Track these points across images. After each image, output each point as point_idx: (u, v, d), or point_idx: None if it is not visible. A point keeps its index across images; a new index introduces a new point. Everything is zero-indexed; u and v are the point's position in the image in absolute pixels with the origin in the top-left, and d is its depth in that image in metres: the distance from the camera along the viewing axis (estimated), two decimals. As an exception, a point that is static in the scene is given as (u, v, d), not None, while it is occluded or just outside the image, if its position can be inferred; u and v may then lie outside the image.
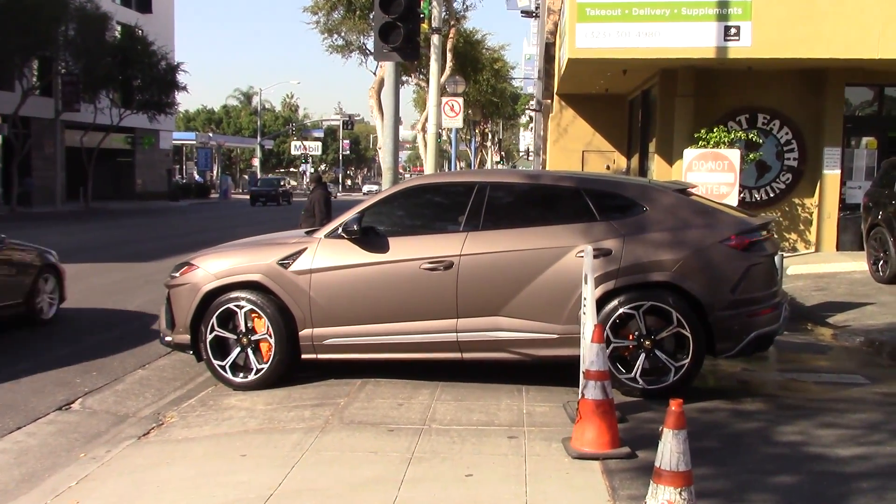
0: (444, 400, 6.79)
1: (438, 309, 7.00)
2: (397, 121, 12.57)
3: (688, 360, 6.68)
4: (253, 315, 7.33)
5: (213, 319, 7.34)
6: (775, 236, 7.58)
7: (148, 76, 42.85)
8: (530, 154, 69.84)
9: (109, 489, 5.17)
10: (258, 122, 76.00)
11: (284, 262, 7.30)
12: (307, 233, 7.81)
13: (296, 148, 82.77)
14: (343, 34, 27.65)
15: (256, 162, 72.65)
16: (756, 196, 17.04)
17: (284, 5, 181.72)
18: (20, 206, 38.15)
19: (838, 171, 16.67)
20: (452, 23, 24.84)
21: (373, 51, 27.13)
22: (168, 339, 7.67)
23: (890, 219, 12.98)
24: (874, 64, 15.03)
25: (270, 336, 7.25)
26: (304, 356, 7.34)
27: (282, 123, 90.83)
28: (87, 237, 23.02)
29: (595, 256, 6.46)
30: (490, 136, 56.10)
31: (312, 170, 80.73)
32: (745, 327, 6.72)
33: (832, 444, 5.76)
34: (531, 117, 69.12)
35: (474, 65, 34.65)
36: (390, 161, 12.41)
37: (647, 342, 6.71)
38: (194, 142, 71.73)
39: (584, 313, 6.01)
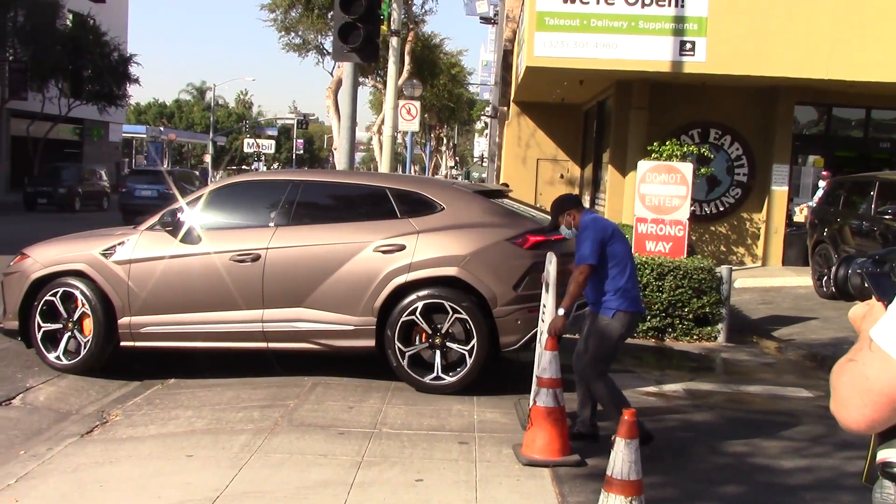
0: (395, 404, 6.76)
1: (246, 299, 7.30)
2: (354, 122, 12.51)
3: (474, 354, 6.94)
4: (77, 303, 7.61)
5: (40, 306, 7.67)
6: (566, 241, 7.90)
7: (99, 67, 42.02)
8: (484, 160, 70.09)
9: (50, 488, 5.05)
10: (211, 118, 74.99)
11: (106, 252, 7.64)
12: (134, 226, 8.02)
13: (249, 145, 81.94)
14: (300, 33, 27.47)
15: (208, 158, 71.62)
16: (706, 210, 17.30)
17: (240, 1, 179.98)
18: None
19: (786, 188, 17.00)
20: (411, 26, 24.84)
21: (330, 51, 27.02)
22: (0, 325, 8.00)
23: (835, 236, 13.27)
24: (823, 84, 15.37)
25: (90, 323, 7.57)
26: (122, 343, 7.62)
27: (235, 120, 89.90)
28: (17, 229, 22.52)
29: (389, 251, 7.04)
30: (445, 141, 56.20)
31: (265, 168, 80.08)
32: (527, 322, 6.91)
33: (777, 456, 5.86)
34: (486, 123, 69.37)
35: (432, 69, 34.68)
36: (346, 162, 12.35)
37: (436, 337, 7.02)
38: (145, 135, 70.57)
39: (543, 320, 6.07)
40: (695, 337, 10.02)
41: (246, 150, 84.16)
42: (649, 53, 14.84)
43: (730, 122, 17.33)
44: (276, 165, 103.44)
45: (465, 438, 5.93)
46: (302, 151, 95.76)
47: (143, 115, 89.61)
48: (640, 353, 9.38)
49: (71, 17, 44.14)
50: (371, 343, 7.10)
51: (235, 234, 7.53)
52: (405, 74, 21.99)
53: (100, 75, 42.43)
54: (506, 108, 26.81)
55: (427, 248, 7.07)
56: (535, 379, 5.60)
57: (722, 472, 5.52)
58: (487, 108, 58.85)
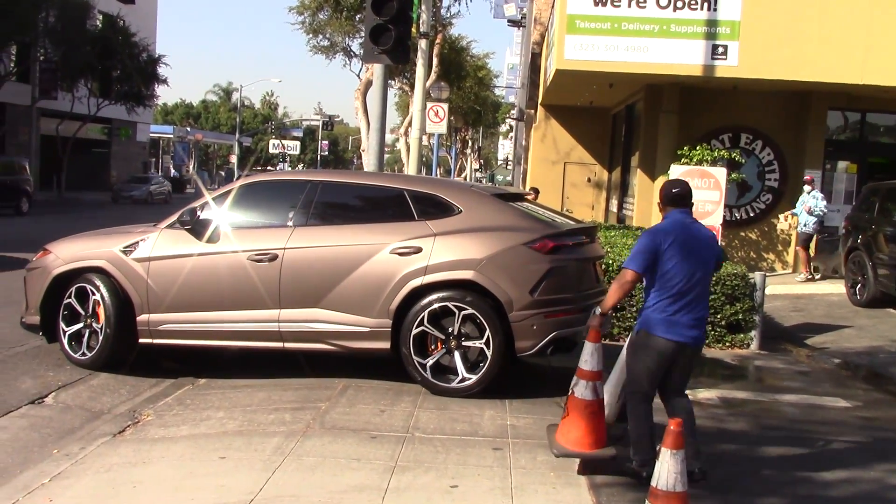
0: (426, 408, 6.70)
1: (263, 299, 7.31)
2: (384, 124, 12.48)
3: (489, 357, 6.91)
4: (97, 299, 7.70)
5: (68, 301, 7.81)
6: (595, 243, 7.86)
7: (128, 67, 42.33)
8: (509, 163, 69.95)
9: (83, 488, 5.03)
10: (237, 119, 75.38)
11: (126, 250, 7.72)
12: (154, 224, 8.06)
13: (274, 146, 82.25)
14: (328, 35, 27.50)
15: (234, 159, 72.00)
16: (736, 215, 17.11)
17: (268, 2, 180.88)
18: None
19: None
20: (439, 28, 24.79)
21: (358, 53, 27.04)
22: (23, 320, 8.15)
23: (869, 243, 13.07)
24: (857, 89, 15.16)
25: (106, 319, 7.65)
26: (141, 340, 7.67)
27: (261, 121, 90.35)
28: (53, 227, 22.66)
29: (405, 254, 7.03)
30: (470, 144, 56.14)
31: (290, 169, 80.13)
32: (543, 327, 6.88)
33: (817, 467, 5.74)
34: (511, 126, 69.26)
35: (458, 72, 34.63)
36: (375, 163, 12.31)
37: (453, 340, 6.98)
38: (172, 135, 71.05)
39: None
40: (727, 344, 9.89)
41: (271, 150, 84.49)
42: (681, 57, 14.70)
43: (761, 127, 17.15)
44: (300, 166, 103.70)
45: (498, 444, 5.86)
46: (327, 153, 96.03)
47: (169, 116, 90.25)
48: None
49: (101, 17, 44.47)
50: (387, 345, 7.11)
51: (254, 234, 7.56)
52: (433, 77, 21.94)
53: (128, 76, 42.74)
54: (533, 111, 26.69)
55: (443, 251, 7.04)
56: (577, 370, 5.42)
57: (763, 483, 5.41)
58: (513, 111, 58.74)
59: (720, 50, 14.67)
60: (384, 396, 7.01)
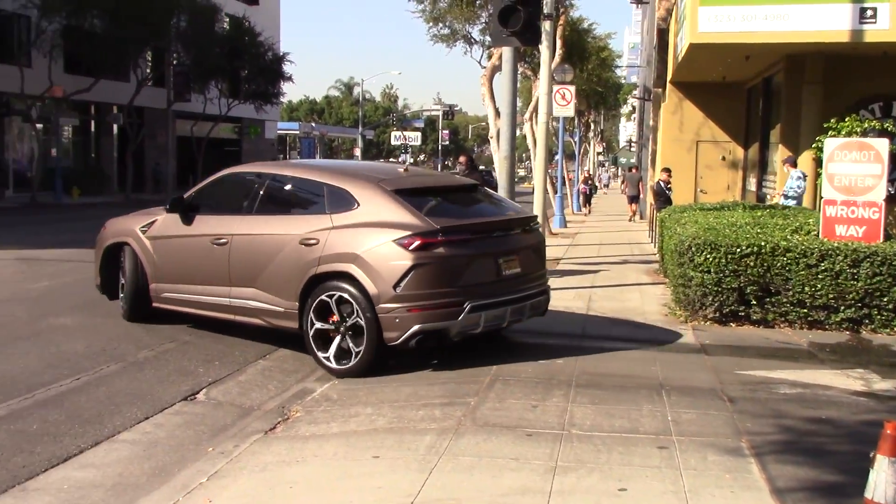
0: (580, 402, 6.37)
1: (220, 277, 8.44)
2: (515, 109, 12.14)
3: (363, 345, 7.37)
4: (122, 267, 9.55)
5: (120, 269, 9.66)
6: (515, 235, 8.09)
7: (255, 67, 43.46)
8: (632, 145, 68.40)
9: (241, 488, 4.95)
10: (359, 113, 76.59)
11: (143, 229, 9.37)
12: (164, 207, 9.36)
13: (396, 138, 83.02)
14: (448, 23, 27.26)
15: (358, 152, 73.17)
16: (890, 189, 15.96)
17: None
18: (135, 192, 39.17)
19: (982, 164, 15.46)
20: (562, 10, 24.22)
21: (479, 39, 26.71)
22: (96, 283, 10.12)
23: None
24: None
25: (126, 284, 9.50)
26: (153, 304, 9.27)
27: (382, 113, 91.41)
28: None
29: (309, 244, 7.69)
30: (593, 127, 55.14)
31: (411, 160, 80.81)
32: (406, 321, 7.22)
33: None
34: (633, 107, 67.64)
35: (581, 53, 33.83)
36: (507, 150, 11.99)
37: (341, 326, 7.50)
38: (298, 131, 72.73)
39: None
40: None
41: (393, 142, 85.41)
42: (824, 23, 13.74)
43: (916, 94, 15.92)
44: (422, 157, 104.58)
45: (663, 442, 5.47)
46: (448, 142, 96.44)
47: (294, 113, 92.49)
48: (835, 346, 8.61)
49: (227, 20, 45.79)
50: (296, 325, 7.84)
51: (217, 220, 8.67)
52: (557, 59, 21.38)
53: (255, 75, 43.86)
54: (661, 90, 25.80)
55: (333, 244, 7.56)
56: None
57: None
58: (635, 92, 57.31)
59: (868, 13, 13.63)
60: (534, 390, 6.72)
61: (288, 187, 8.59)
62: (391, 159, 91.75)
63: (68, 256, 15.53)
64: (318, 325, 7.62)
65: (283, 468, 5.26)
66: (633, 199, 31.08)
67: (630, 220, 30.22)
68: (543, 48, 16.98)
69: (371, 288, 7.29)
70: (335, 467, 5.21)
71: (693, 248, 9.58)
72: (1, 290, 11.76)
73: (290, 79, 45.63)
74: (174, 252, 8.99)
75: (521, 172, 77.73)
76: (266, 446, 5.69)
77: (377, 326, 7.30)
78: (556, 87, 19.73)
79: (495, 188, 12.09)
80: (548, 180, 22.85)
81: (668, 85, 22.34)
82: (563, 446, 5.39)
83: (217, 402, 6.91)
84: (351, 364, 7.45)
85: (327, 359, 7.56)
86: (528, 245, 8.25)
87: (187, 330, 9.25)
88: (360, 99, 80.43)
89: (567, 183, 35.01)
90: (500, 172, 12.28)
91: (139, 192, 40.40)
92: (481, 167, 14.72)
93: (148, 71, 41.81)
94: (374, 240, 7.38)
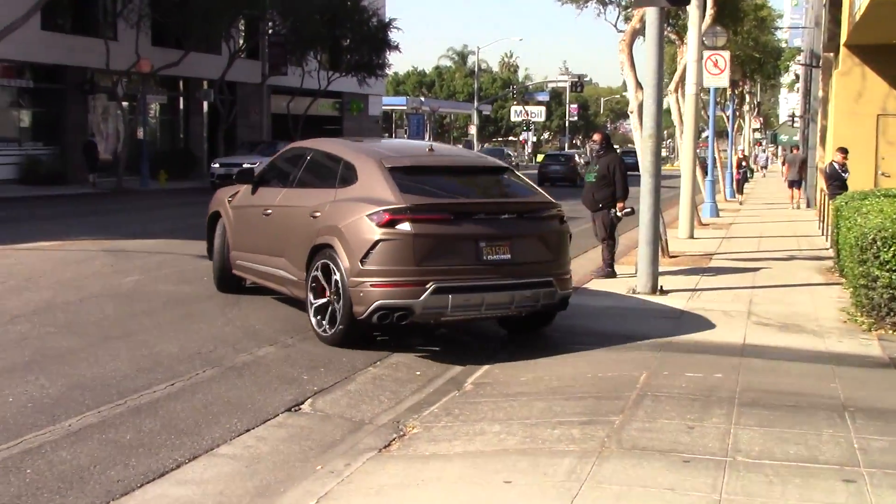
0: (745, 424, 6.18)
1: (267, 246, 10.07)
2: (661, 79, 11.92)
3: (339, 315, 8.57)
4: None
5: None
6: (469, 221, 8.52)
7: (357, 35, 44.09)
8: (795, 120, 66.20)
9: (355, 512, 5.00)
10: (474, 85, 76.76)
11: (230, 199, 11.20)
12: None
13: (516, 114, 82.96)
14: (579, -19, 26.99)
15: (473, 129, 73.44)
16: None
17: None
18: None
19: None
20: (713, -38, 23.62)
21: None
22: (207, 248, 12.01)
23: None
24: None
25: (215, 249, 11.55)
26: (232, 271, 11.09)
27: (500, 86, 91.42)
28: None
29: (314, 217, 9.08)
30: (748, 100, 53.63)
31: (535, 139, 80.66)
32: (368, 296, 8.23)
33: None
34: (797, 76, 65.43)
35: (735, 13, 32.92)
36: (651, 127, 11.77)
37: (332, 295, 8.67)
38: (405, 107, 73.47)
39: None
40: None
41: (513, 118, 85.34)
42: None
43: None
44: (546, 135, 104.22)
45: (849, 475, 5.25)
46: (576, 118, 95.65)
47: (401, 86, 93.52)
48: None
49: (327, -17, 46.42)
50: (304, 295, 9.16)
51: (270, 193, 10.41)
52: (707, 20, 20.89)
53: (358, 44, 44.43)
54: (832, 55, 24.91)
55: (328, 217, 8.88)
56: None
57: None
58: (799, 57, 55.44)
59: None
60: (689, 408, 6.57)
61: (320, 162, 10.08)
62: (510, 137, 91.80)
63: (157, 248, 16.14)
64: (311, 295, 8.95)
65: (402, 492, 5.29)
66: (795, 183, 30.20)
67: (793, 207, 29.35)
68: (692, 7, 16.68)
69: (344, 261, 8.43)
70: (461, 493, 5.20)
71: (879, 243, 9.21)
72: (91, 284, 12.30)
73: (396, 48, 46.14)
74: (243, 221, 10.81)
75: (663, 153, 76.53)
76: (381, 466, 5.74)
77: (349, 299, 8.36)
78: (706, 54, 19.26)
79: (635, 170, 11.93)
80: (696, 162, 22.38)
81: (842, 48, 21.58)
82: (728, 476, 5.24)
83: (324, 414, 7.01)
84: (331, 333, 8.71)
85: (319, 325, 8.88)
86: (530, 232, 8.87)
87: (288, 332, 9.45)
88: (476, 69, 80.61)
89: (718, 165, 34.21)
90: (643, 153, 12.07)
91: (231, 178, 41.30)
92: (616, 147, 14.51)
93: (241, 42, 42.96)
94: (353, 214, 8.50)
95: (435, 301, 8.14)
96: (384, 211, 8.20)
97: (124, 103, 37.87)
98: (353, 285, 8.28)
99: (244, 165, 29.60)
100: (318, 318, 8.87)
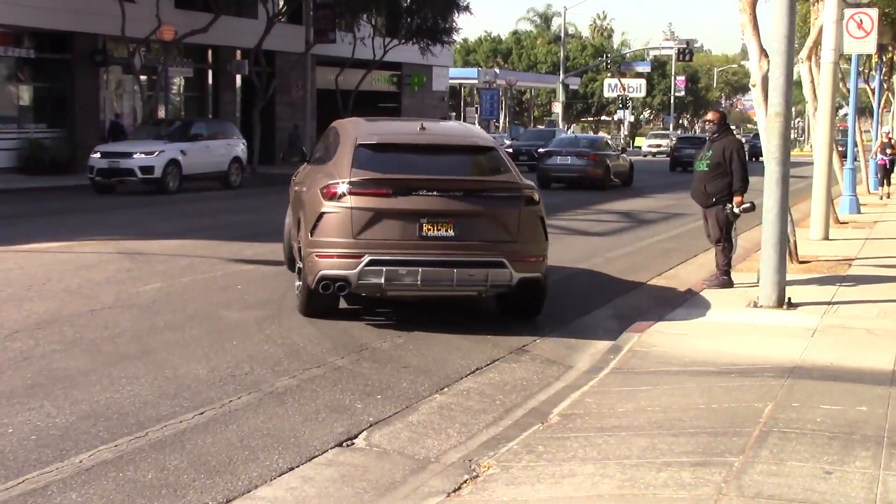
0: (896, 469, 6.11)
1: (296, 223, 11.84)
2: (792, 44, 11.78)
3: (301, 284, 10.85)
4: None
5: None
6: (410, 197, 10.24)
7: (420, -6, 44.17)
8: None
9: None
10: (561, 53, 76.49)
11: (294, 177, 13.64)
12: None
13: (610, 88, 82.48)
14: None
15: (557, 107, 73.31)
16: None
17: None
18: (263, 163, 40.45)
19: None
20: None
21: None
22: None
23: None
24: None
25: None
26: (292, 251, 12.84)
27: (591, 55, 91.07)
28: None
29: (302, 191, 11.84)
30: (898, 68, 52.71)
31: (632, 118, 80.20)
32: (313, 266, 10.28)
33: None
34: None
35: (882, -38, 32.45)
36: (780, 104, 11.64)
37: (299, 265, 11.11)
38: (476, 81, 73.51)
39: None
40: None
41: (606, 94, 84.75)
42: None
43: None
44: (646, 113, 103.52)
45: None
46: (683, 93, 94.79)
47: (471, 55, 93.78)
48: None
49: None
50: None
51: (306, 171, 12.66)
52: (848, -28, 20.59)
53: (421, 5, 44.39)
54: None
55: (306, 191, 11.30)
56: None
57: None
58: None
59: None
60: (826, 448, 6.51)
61: (329, 139, 12.24)
62: (603, 117, 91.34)
63: (182, 250, 16.38)
64: (298, 263, 11.18)
65: (475, 545, 5.31)
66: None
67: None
68: (830, -45, 16.36)
69: (303, 231, 10.71)
70: (546, 547, 5.21)
71: None
72: (103, 293, 12.48)
73: (466, 8, 46.10)
74: (293, 199, 12.95)
75: (792, 134, 75.51)
76: (449, 513, 5.78)
77: (303, 269, 10.59)
78: (848, 12, 18.96)
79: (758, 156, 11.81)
80: (834, 146, 22.04)
81: None
82: (875, 533, 5.18)
83: (382, 450, 7.07)
84: (299, 302, 11.00)
85: (297, 294, 11.09)
86: (480, 211, 10.39)
87: (338, 351, 9.55)
88: (562, 35, 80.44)
89: (861, 149, 33.65)
90: (768, 135, 11.95)
91: (267, 164, 41.60)
92: (733, 128, 14.38)
93: (281, 4, 43.18)
94: (313, 188, 10.77)
95: (370, 274, 10.00)
96: (330, 185, 10.31)
97: (142, 77, 38.28)
98: (307, 255, 10.46)
99: (136, 156, 28.47)
100: (297, 287, 11.11)
